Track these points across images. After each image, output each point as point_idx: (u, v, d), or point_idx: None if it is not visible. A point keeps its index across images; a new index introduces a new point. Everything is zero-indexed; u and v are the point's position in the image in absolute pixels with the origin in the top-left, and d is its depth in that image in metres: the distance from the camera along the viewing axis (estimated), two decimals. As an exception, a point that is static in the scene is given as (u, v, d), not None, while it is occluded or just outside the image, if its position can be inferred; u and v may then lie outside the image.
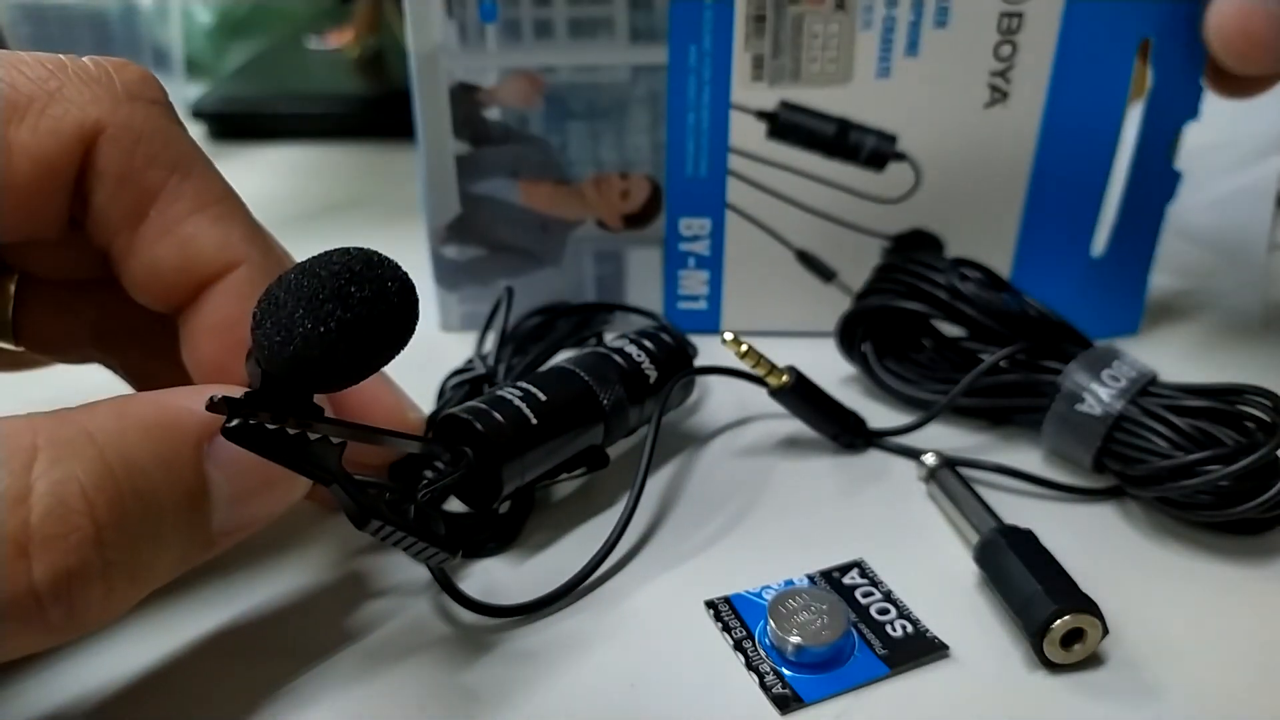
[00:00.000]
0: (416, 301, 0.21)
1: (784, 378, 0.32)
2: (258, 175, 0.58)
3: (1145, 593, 0.27)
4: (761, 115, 0.37)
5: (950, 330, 0.35)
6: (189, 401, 0.21)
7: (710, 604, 0.27)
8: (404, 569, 0.28)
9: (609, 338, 0.35)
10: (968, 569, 0.27)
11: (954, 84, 0.36)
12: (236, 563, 0.28)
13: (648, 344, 0.33)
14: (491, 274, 0.40)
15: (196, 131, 0.25)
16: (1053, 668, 0.24)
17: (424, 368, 0.29)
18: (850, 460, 0.33)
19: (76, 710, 0.24)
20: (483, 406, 0.28)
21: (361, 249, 0.20)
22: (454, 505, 0.29)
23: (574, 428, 0.29)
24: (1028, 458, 0.33)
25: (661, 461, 0.33)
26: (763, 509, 0.31)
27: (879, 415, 0.35)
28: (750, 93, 0.36)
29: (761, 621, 0.26)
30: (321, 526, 0.29)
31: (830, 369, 0.36)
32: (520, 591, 0.27)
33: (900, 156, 0.37)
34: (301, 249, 0.24)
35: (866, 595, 0.27)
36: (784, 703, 0.24)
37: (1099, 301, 0.39)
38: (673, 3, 0.35)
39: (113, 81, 0.23)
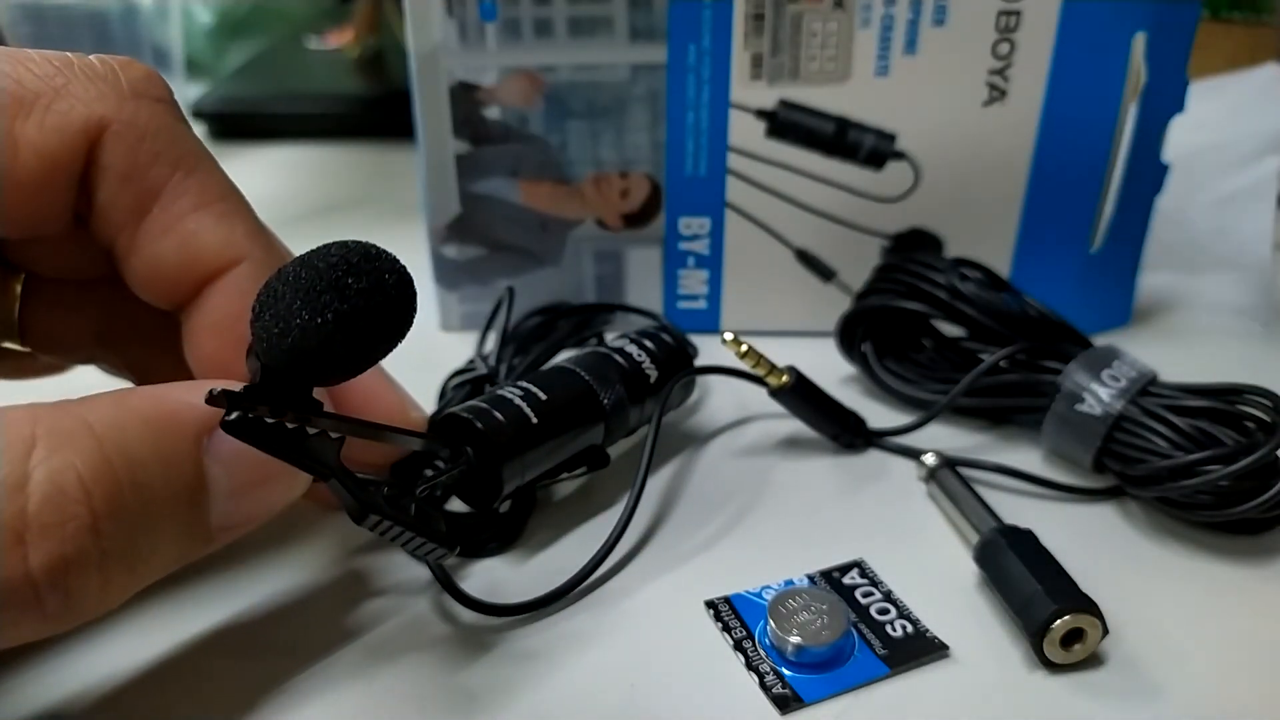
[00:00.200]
0: (414, 294, 0.21)
1: (784, 378, 0.32)
2: (258, 175, 0.58)
3: (1145, 593, 0.27)
4: (761, 114, 0.37)
5: (950, 330, 0.35)
6: (189, 396, 0.21)
7: (710, 604, 0.27)
8: (404, 568, 0.28)
9: (609, 338, 0.34)
10: (968, 569, 0.27)
11: (952, 82, 0.36)
12: (237, 560, 0.28)
13: (648, 344, 0.33)
14: (491, 274, 0.40)
15: (197, 131, 0.25)
16: (1053, 668, 0.24)
17: (424, 368, 0.29)
18: (850, 460, 0.33)
19: (77, 705, 0.24)
20: (483, 405, 0.28)
21: (360, 242, 0.20)
22: (454, 505, 0.29)
23: (574, 427, 0.29)
24: (1028, 458, 0.33)
25: (661, 461, 0.33)
26: (763, 509, 0.31)
27: (879, 415, 0.35)
28: (749, 91, 0.36)
29: (761, 621, 0.26)
30: (322, 525, 0.29)
31: (830, 369, 0.36)
32: (520, 591, 0.27)
33: (899, 155, 0.37)
34: (302, 249, 0.23)
35: (866, 595, 0.27)
36: (784, 703, 0.24)
37: (1093, 295, 0.40)
38: (672, 2, 0.35)
39: (118, 79, 0.23)
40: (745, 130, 0.37)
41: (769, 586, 0.27)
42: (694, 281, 0.40)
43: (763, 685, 0.24)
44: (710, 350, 0.35)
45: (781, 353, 0.33)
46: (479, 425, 0.27)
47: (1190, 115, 0.38)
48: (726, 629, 0.26)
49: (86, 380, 0.29)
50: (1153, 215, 0.39)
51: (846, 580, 0.27)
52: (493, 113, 0.37)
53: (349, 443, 0.22)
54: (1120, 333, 0.41)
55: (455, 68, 0.36)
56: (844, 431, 0.33)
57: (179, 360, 0.25)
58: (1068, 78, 0.35)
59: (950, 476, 0.30)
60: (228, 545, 0.23)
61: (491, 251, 0.40)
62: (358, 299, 0.19)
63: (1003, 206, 0.38)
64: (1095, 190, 0.38)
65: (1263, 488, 0.27)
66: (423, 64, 0.36)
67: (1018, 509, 0.30)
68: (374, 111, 0.65)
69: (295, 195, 0.54)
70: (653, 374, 0.32)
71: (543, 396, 0.29)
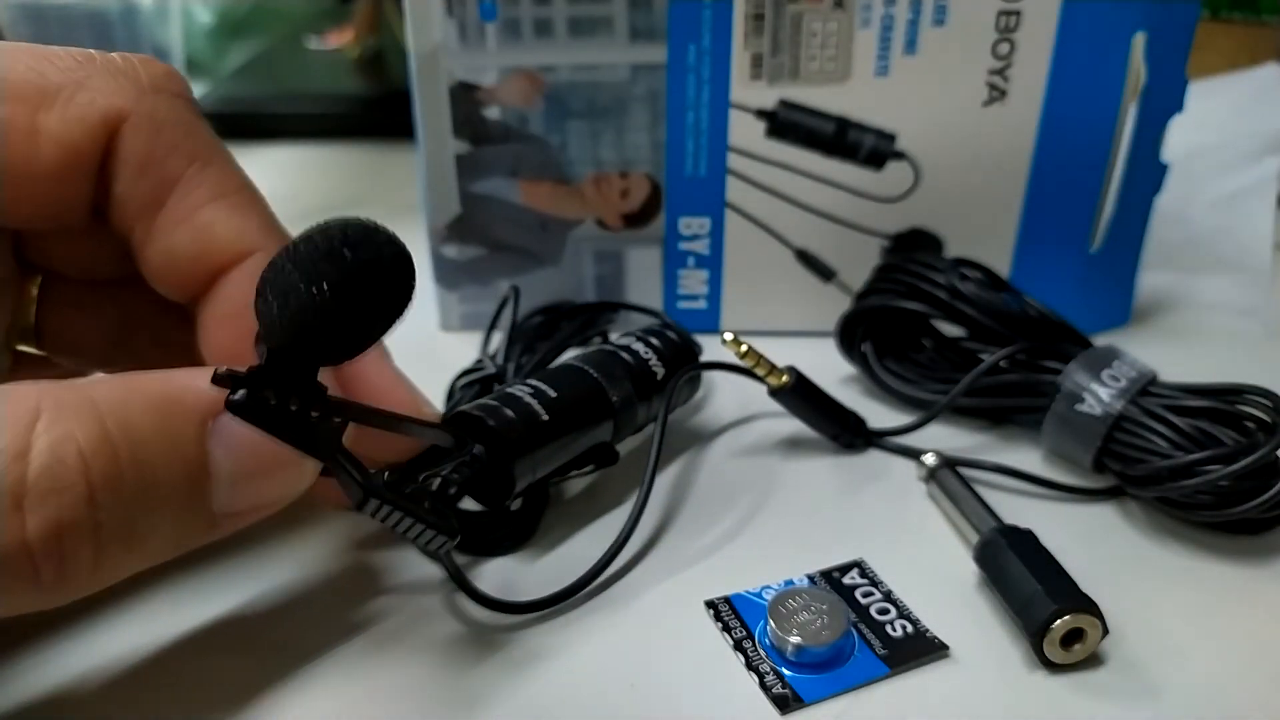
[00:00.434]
0: (412, 270, 0.21)
1: (784, 378, 0.32)
2: (258, 175, 0.57)
3: (1145, 593, 0.27)
4: (760, 114, 0.37)
5: (950, 330, 0.35)
6: (196, 380, 0.21)
7: (710, 604, 0.27)
8: (415, 566, 0.28)
9: (615, 336, 0.35)
10: (968, 569, 0.27)
11: (952, 82, 0.36)
12: (244, 553, 0.28)
13: (654, 341, 0.33)
14: (491, 274, 0.40)
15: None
16: (1053, 668, 0.24)
17: (424, 368, 0.29)
18: (850, 460, 0.33)
19: (77, 693, 0.24)
20: (494, 403, 0.28)
21: (360, 218, 0.21)
22: (462, 506, 0.29)
23: (585, 424, 0.29)
24: (1028, 458, 0.33)
25: (663, 461, 0.33)
26: (763, 509, 0.31)
27: (879, 415, 0.35)
28: (749, 91, 0.36)
29: (761, 621, 0.26)
30: (332, 522, 0.30)
31: (830, 369, 0.36)
32: (526, 590, 0.27)
33: (899, 155, 0.37)
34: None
35: (866, 595, 0.27)
36: (784, 703, 0.24)
37: (1093, 295, 0.40)
38: (672, 2, 0.35)
39: (138, 74, 0.24)
40: (745, 130, 0.37)
41: (769, 586, 0.27)
42: (694, 281, 0.40)
43: (763, 685, 0.24)
44: (711, 350, 0.35)
45: (781, 353, 0.33)
46: (491, 423, 0.27)
47: (1190, 115, 0.38)
48: (726, 629, 0.26)
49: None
50: (1152, 215, 0.39)
51: (846, 580, 0.27)
52: (493, 113, 0.37)
53: (364, 440, 0.22)
54: (1120, 333, 0.41)
55: (455, 68, 0.36)
56: (844, 431, 0.33)
57: (194, 364, 0.25)
58: (1068, 78, 0.35)
59: (950, 476, 0.30)
60: (237, 538, 0.23)
61: (491, 251, 0.40)
62: (354, 268, 0.20)
63: (1003, 206, 0.38)
64: (1095, 190, 0.38)
65: (1263, 488, 0.27)
66: (423, 64, 0.36)
67: (1018, 509, 0.30)
68: (374, 111, 0.65)
69: (295, 195, 0.54)
70: (659, 371, 0.32)
71: (553, 394, 0.29)
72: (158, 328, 0.28)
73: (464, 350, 0.38)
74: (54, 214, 0.24)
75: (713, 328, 0.41)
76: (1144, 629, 0.26)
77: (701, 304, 0.41)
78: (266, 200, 0.26)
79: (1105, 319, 0.40)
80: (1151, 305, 0.43)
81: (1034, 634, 0.24)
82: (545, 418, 0.28)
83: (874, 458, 0.33)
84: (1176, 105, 0.37)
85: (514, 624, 0.26)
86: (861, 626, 0.26)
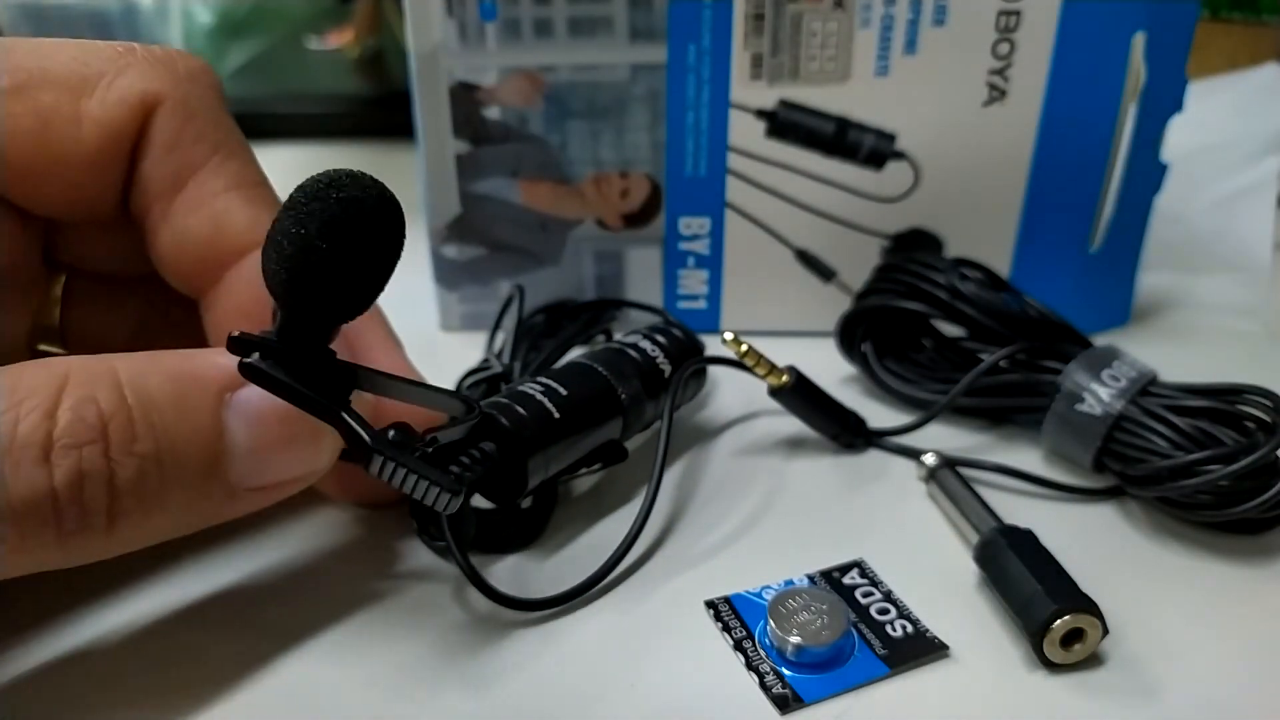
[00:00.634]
0: (399, 211, 0.21)
1: (784, 378, 0.32)
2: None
3: (1145, 593, 0.27)
4: (760, 114, 0.37)
5: (950, 330, 0.35)
6: (216, 356, 0.22)
7: (710, 604, 0.27)
8: (419, 557, 0.28)
9: (621, 334, 0.35)
10: (968, 569, 0.27)
11: (952, 82, 0.36)
12: (253, 536, 0.28)
13: (660, 339, 0.33)
14: (491, 274, 0.40)
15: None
16: (1053, 668, 0.24)
17: (425, 368, 0.29)
18: (850, 460, 0.33)
19: (91, 656, 0.24)
20: (505, 401, 0.28)
21: (352, 170, 0.21)
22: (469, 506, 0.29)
23: (595, 422, 0.29)
24: (1028, 458, 0.33)
25: (665, 460, 0.33)
26: (763, 509, 0.31)
27: (879, 415, 0.35)
28: (749, 91, 0.36)
29: (761, 621, 0.26)
30: (346, 515, 0.30)
31: (830, 369, 0.36)
32: (525, 587, 0.27)
33: (899, 155, 0.37)
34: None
35: (866, 595, 0.27)
36: (784, 703, 0.24)
37: (1093, 295, 0.40)
38: (672, 2, 0.35)
39: (175, 63, 0.25)
40: (745, 130, 0.37)
41: (769, 586, 0.27)
42: (694, 281, 0.40)
43: (763, 685, 0.24)
44: (711, 350, 0.35)
45: (781, 353, 0.33)
46: (503, 421, 0.27)
47: (1190, 115, 0.38)
48: (726, 629, 0.26)
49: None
50: (1152, 215, 0.39)
51: (846, 580, 0.27)
52: (493, 113, 0.37)
53: (383, 414, 0.22)
54: (1120, 333, 0.41)
55: (455, 68, 0.36)
56: (844, 431, 0.33)
57: None
58: (1067, 78, 0.36)
59: (950, 476, 0.30)
60: (252, 521, 0.23)
61: (491, 251, 0.40)
62: (339, 205, 0.20)
63: (1003, 206, 0.38)
64: (1095, 190, 0.38)
65: (1263, 488, 0.27)
66: (423, 64, 0.36)
67: (1018, 509, 0.30)
68: (374, 111, 0.65)
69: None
70: (666, 369, 0.32)
71: (564, 392, 0.29)
72: (179, 325, 0.28)
73: (464, 350, 0.38)
74: (90, 201, 0.25)
75: (713, 328, 0.41)
76: (1144, 629, 0.26)
77: (701, 304, 0.41)
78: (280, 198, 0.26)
79: (1105, 319, 0.40)
80: (1151, 305, 0.43)
81: (1034, 634, 0.24)
82: (557, 416, 0.28)
83: (874, 458, 0.33)
84: (1176, 105, 0.37)
85: (514, 620, 0.26)
86: (861, 626, 0.26)
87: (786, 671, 0.24)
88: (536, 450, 0.27)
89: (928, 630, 0.26)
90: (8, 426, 0.19)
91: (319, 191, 0.20)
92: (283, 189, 0.29)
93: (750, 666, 0.25)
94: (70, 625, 0.26)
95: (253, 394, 0.22)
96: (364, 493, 0.29)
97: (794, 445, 0.34)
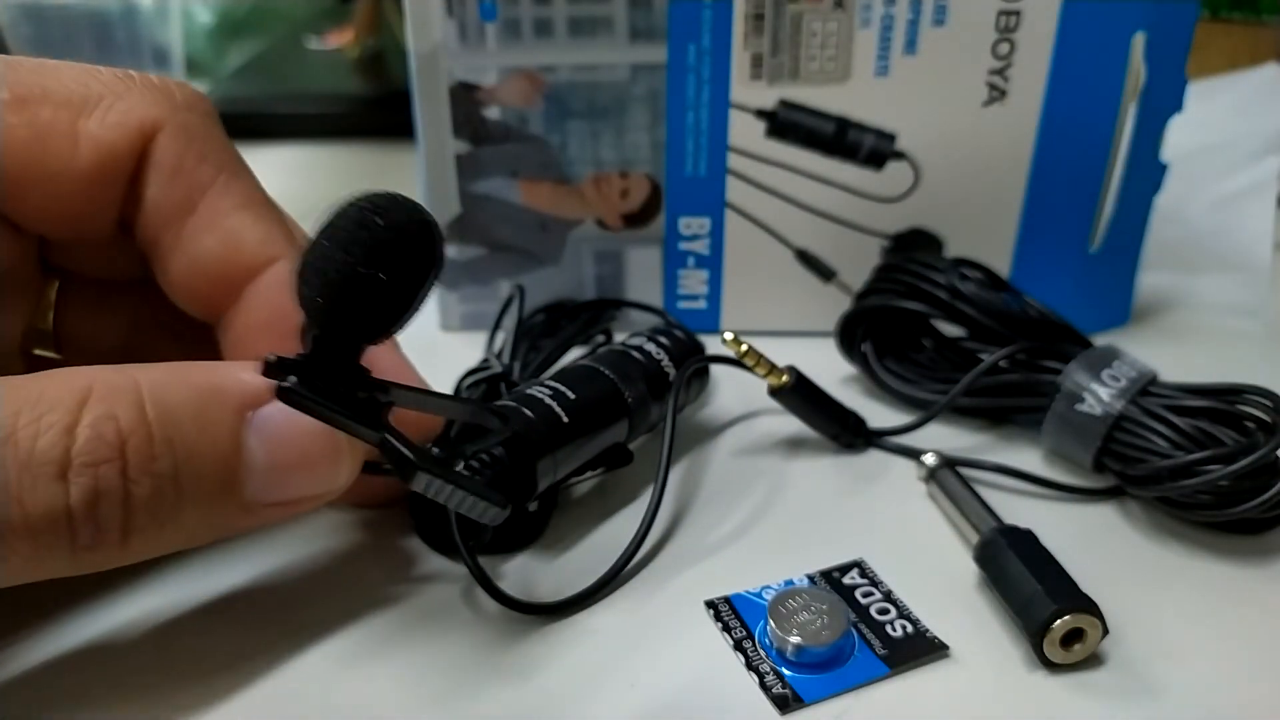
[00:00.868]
0: (439, 233, 0.21)
1: (784, 378, 0.32)
2: (258, 175, 0.57)
3: (1145, 593, 0.27)
4: (760, 114, 0.37)
5: (950, 330, 0.35)
6: (239, 372, 0.22)
7: (710, 604, 0.27)
8: (418, 557, 0.28)
9: (624, 336, 0.35)
10: (968, 569, 0.27)
11: (952, 82, 0.36)
12: (255, 540, 0.28)
13: (663, 340, 0.33)
14: (491, 274, 0.40)
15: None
16: (1053, 668, 0.24)
17: (425, 368, 0.29)
18: (850, 460, 0.33)
19: (103, 651, 0.24)
20: (514, 404, 0.28)
21: (382, 190, 0.21)
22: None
23: (602, 424, 0.29)
24: (1028, 458, 0.33)
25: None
26: (763, 509, 0.31)
27: (879, 415, 0.35)
28: (749, 91, 0.36)
29: (761, 621, 0.26)
30: (355, 519, 0.30)
31: (830, 369, 0.36)
32: (526, 588, 0.27)
33: (899, 155, 0.37)
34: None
35: (866, 595, 0.27)
36: (784, 703, 0.24)
37: (1093, 295, 0.40)
38: (672, 2, 0.35)
39: (172, 91, 0.26)
40: (745, 130, 0.37)
41: (769, 586, 0.27)
42: (694, 281, 0.40)
43: (763, 685, 0.24)
44: (711, 350, 0.35)
45: (781, 353, 0.33)
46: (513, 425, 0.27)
47: (1190, 115, 0.38)
48: (726, 629, 0.26)
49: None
50: (1152, 215, 0.39)
51: (846, 580, 0.27)
52: (493, 113, 0.37)
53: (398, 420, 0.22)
54: (1120, 332, 0.41)
55: (455, 68, 0.36)
56: (844, 431, 0.33)
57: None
58: (1067, 78, 0.36)
59: (950, 476, 0.30)
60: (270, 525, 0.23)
61: (491, 251, 0.40)
62: (386, 232, 0.20)
63: (1003, 206, 0.38)
64: (1095, 190, 0.38)
65: (1263, 488, 0.27)
66: (423, 64, 0.36)
67: (1018, 509, 0.30)
68: (374, 111, 0.65)
69: (295, 195, 0.54)
70: (670, 371, 0.32)
71: (571, 395, 0.29)
72: (175, 329, 0.28)
73: (464, 350, 0.38)
74: (82, 221, 0.25)
75: (713, 328, 0.41)
76: (1144, 629, 0.26)
77: (701, 304, 0.41)
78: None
79: (1105, 319, 0.40)
80: (1151, 305, 0.43)
81: (1034, 634, 0.24)
82: (565, 419, 0.28)
83: (874, 458, 0.33)
84: (1176, 105, 0.37)
85: (514, 620, 0.26)
86: (861, 626, 0.26)
87: (786, 671, 0.24)
88: (545, 454, 0.27)
89: (928, 630, 0.26)
90: (27, 440, 0.19)
91: (363, 219, 0.20)
92: (283, 189, 0.29)
93: (750, 666, 0.25)
94: (76, 622, 0.26)
95: (275, 412, 0.22)
96: (361, 494, 0.29)
97: (794, 445, 0.34)
